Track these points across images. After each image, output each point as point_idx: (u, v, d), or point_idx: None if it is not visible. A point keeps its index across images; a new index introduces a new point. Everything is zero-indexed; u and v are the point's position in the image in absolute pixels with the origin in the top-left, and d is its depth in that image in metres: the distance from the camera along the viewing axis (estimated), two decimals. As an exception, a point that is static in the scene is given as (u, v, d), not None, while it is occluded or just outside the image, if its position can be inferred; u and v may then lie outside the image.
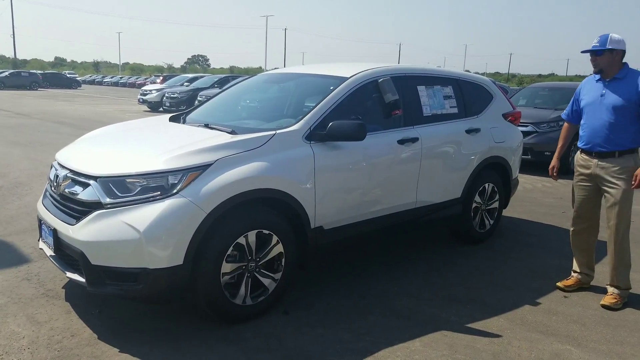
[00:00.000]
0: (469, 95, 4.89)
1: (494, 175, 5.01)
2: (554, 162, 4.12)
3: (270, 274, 3.33)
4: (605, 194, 3.75)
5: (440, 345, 3.10)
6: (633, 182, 3.59)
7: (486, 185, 4.94)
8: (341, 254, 4.53)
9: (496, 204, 5.13)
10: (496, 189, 5.06)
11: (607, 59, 3.64)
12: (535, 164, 9.01)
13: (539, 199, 7.20)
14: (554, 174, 4.12)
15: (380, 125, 4.02)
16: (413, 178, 4.19)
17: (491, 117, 5.01)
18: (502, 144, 5.00)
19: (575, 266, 4.10)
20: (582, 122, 3.87)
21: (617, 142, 3.65)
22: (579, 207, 3.96)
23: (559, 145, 4.14)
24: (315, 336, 3.15)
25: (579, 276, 4.05)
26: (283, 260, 3.36)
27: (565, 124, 4.11)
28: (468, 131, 4.67)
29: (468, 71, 7.34)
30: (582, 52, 3.73)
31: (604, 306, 3.71)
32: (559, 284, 4.04)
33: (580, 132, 3.88)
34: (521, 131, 5.56)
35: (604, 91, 3.70)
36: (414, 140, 4.12)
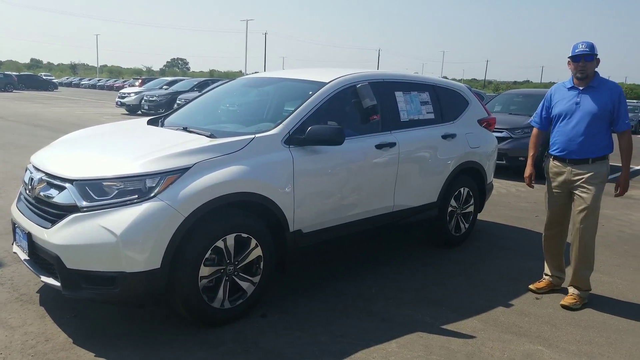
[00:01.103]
0: (445, 101, 4.98)
1: (469, 179, 5.10)
2: (529, 169, 4.13)
3: (248, 277, 3.34)
4: (577, 198, 3.82)
5: (415, 346, 3.15)
6: (617, 191, 3.79)
7: (462, 189, 5.02)
8: (319, 257, 4.56)
9: (471, 208, 5.22)
10: (471, 193, 5.15)
11: (594, 65, 3.70)
12: (509, 169, 9.18)
13: (513, 204, 7.33)
14: (530, 182, 4.13)
15: (358, 130, 4.07)
16: (390, 182, 4.24)
17: (467, 122, 5.11)
18: (477, 149, 5.09)
19: (546, 269, 4.19)
20: (554, 129, 3.90)
21: (591, 149, 3.71)
22: (553, 213, 4.02)
23: (531, 154, 4.14)
24: (293, 339, 3.17)
25: (550, 279, 4.13)
26: (262, 263, 3.38)
27: (535, 131, 4.14)
28: (444, 136, 4.76)
29: (445, 77, 7.45)
30: (573, 56, 3.69)
31: (563, 306, 3.81)
32: (531, 286, 4.12)
33: (553, 139, 3.92)
34: (496, 137, 5.67)
35: (578, 99, 3.73)
36: (392, 145, 4.18)
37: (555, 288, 4.12)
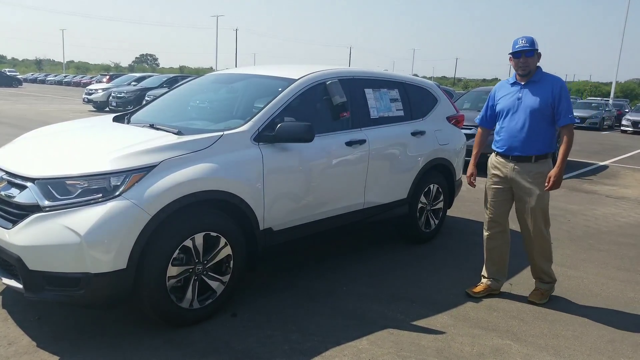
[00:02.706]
0: (415, 99, 5.02)
1: (438, 176, 5.15)
2: (470, 169, 4.04)
3: (218, 277, 3.30)
4: (520, 198, 3.76)
5: (386, 343, 3.16)
6: (546, 184, 3.59)
7: (431, 186, 5.07)
8: (290, 255, 4.55)
9: (441, 204, 5.28)
10: (441, 190, 5.20)
11: (536, 60, 3.64)
12: (478, 165, 9.29)
13: (481, 199, 7.40)
14: (473, 181, 4.05)
15: (328, 127, 4.06)
16: (361, 179, 4.25)
17: (436, 120, 5.16)
18: (446, 146, 5.15)
19: (484, 272, 4.04)
20: (498, 125, 3.84)
21: (534, 146, 3.65)
22: (494, 211, 3.90)
23: (475, 152, 4.06)
24: (264, 337, 3.15)
25: (489, 282, 3.99)
26: (231, 262, 3.34)
27: (479, 129, 4.08)
28: (414, 133, 4.79)
29: (416, 75, 7.51)
30: (513, 52, 3.62)
31: (530, 301, 3.83)
32: (467, 290, 3.97)
33: (496, 136, 3.85)
34: (465, 134, 5.74)
35: (520, 94, 3.68)
36: (362, 142, 4.19)
37: (494, 292, 3.97)
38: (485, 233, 4.01)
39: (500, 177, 3.83)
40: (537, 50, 3.62)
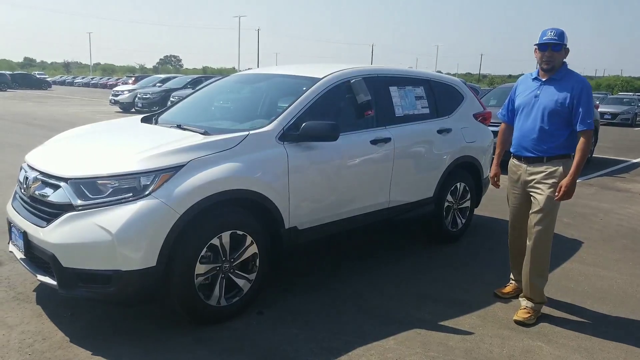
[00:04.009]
0: (440, 96, 4.97)
1: (465, 174, 5.09)
2: (494, 169, 3.86)
3: (244, 275, 3.33)
4: (532, 200, 3.50)
5: (413, 343, 3.14)
6: (557, 194, 3.31)
7: (458, 184, 5.02)
8: (315, 254, 4.56)
9: (468, 203, 5.22)
10: (468, 188, 5.14)
11: (562, 55, 3.38)
12: (506, 162, 9.15)
13: (509, 198, 7.31)
14: (496, 182, 3.86)
15: (353, 125, 4.05)
16: (386, 178, 4.23)
17: (462, 117, 5.10)
18: (473, 144, 5.09)
19: (513, 274, 3.93)
20: (515, 123, 3.62)
21: (546, 147, 3.40)
22: (513, 216, 3.75)
23: (498, 150, 3.84)
24: (290, 336, 3.16)
25: (517, 284, 3.85)
26: (257, 260, 3.37)
27: (502, 125, 3.84)
28: (439, 131, 4.75)
29: (440, 72, 7.44)
30: (540, 44, 3.36)
31: (516, 321, 3.45)
32: (496, 291, 3.89)
33: (513, 135, 3.65)
34: (492, 131, 5.66)
35: (538, 92, 3.43)
36: (387, 140, 4.17)
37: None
38: (508, 236, 3.87)
39: (514, 180, 3.64)
40: (566, 45, 3.36)
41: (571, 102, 3.30)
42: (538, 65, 3.49)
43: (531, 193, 3.50)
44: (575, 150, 3.35)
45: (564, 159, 3.40)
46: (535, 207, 3.46)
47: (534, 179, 3.46)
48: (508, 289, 3.89)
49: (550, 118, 3.36)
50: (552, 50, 3.33)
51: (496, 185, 3.89)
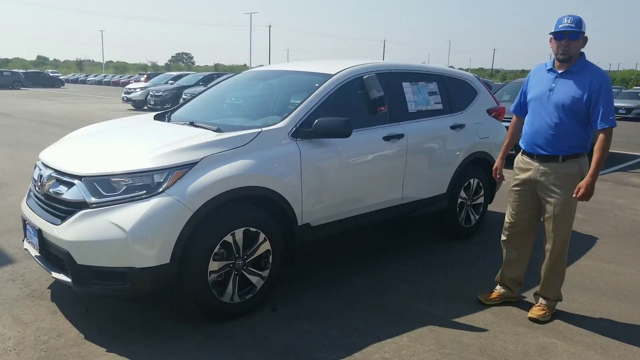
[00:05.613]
0: (454, 91, 4.93)
1: (479, 170, 5.05)
2: (497, 162, 3.65)
3: (257, 272, 3.33)
4: (545, 203, 3.33)
5: (427, 340, 3.13)
6: (575, 194, 3.15)
7: (471, 180, 4.98)
8: (328, 251, 4.55)
9: (481, 199, 5.18)
10: (481, 184, 5.10)
11: (580, 45, 3.15)
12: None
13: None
14: (498, 175, 3.67)
15: (365, 121, 4.03)
16: (399, 174, 4.21)
17: (475, 112, 5.05)
18: (487, 140, 5.04)
19: (498, 277, 3.72)
20: (526, 117, 3.40)
21: (561, 145, 3.20)
22: (514, 215, 3.52)
23: (506, 142, 3.66)
24: (303, 332, 3.16)
25: (502, 289, 3.67)
26: (270, 257, 3.37)
27: (514, 118, 3.60)
28: (453, 127, 4.71)
29: (452, 67, 7.38)
30: (555, 33, 3.14)
31: (531, 319, 3.40)
32: (479, 296, 3.68)
33: (523, 130, 3.42)
34: (506, 126, 5.60)
35: (553, 85, 3.21)
36: (400, 136, 4.14)
37: (510, 300, 3.65)
38: (502, 238, 3.66)
39: (523, 179, 3.42)
40: (584, 33, 3.11)
41: (589, 98, 3.09)
42: (554, 56, 3.26)
43: (545, 198, 3.32)
44: (589, 148, 3.19)
45: (580, 157, 3.25)
46: (550, 212, 3.31)
47: (547, 180, 3.28)
48: (494, 295, 3.68)
49: (566, 114, 3.15)
50: (569, 39, 3.10)
51: (498, 178, 3.69)
